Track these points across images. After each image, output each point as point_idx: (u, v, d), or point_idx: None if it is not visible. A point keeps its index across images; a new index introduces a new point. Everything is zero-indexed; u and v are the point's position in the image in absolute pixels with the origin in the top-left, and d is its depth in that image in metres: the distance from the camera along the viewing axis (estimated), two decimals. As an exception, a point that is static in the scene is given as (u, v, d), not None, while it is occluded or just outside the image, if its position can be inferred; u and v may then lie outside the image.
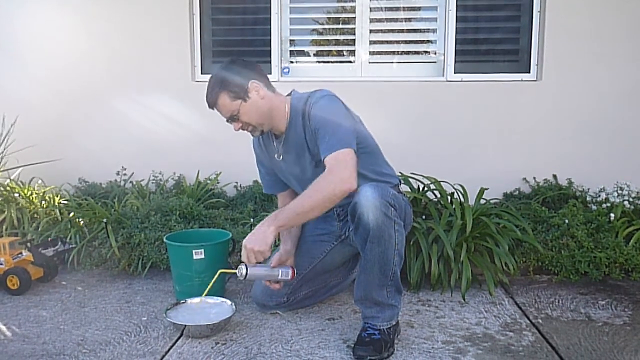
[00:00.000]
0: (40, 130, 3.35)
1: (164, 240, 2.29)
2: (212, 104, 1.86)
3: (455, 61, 3.21)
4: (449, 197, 2.64)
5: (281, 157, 1.96)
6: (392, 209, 1.71)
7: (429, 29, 3.30)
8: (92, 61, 3.35)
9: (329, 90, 1.89)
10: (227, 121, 1.89)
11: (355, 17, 3.27)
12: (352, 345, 1.79)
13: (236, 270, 1.82)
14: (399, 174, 2.76)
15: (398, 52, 3.32)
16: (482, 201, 2.69)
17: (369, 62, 3.31)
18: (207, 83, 1.87)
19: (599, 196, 2.80)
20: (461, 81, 3.21)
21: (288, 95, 1.94)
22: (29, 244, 2.44)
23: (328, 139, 1.75)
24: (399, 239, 1.74)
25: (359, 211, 1.69)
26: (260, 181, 2.22)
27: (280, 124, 1.90)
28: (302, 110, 1.85)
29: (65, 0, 3.33)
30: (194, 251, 2.17)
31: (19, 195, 2.92)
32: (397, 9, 3.29)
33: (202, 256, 2.17)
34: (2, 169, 3.07)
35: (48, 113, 3.38)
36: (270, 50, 3.30)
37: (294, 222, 1.82)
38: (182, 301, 2.07)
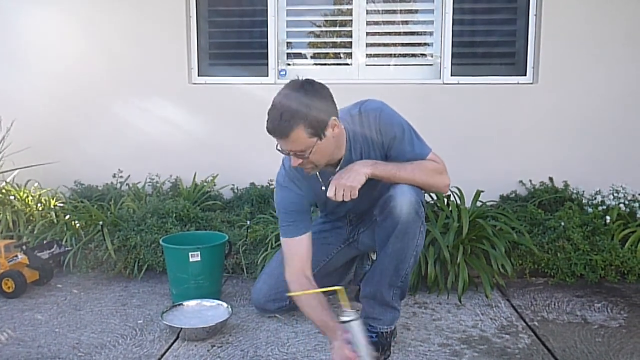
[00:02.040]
0: (37, 132, 3.34)
1: (160, 242, 2.28)
2: (281, 134, 1.54)
3: (451, 64, 3.22)
4: (445, 200, 2.65)
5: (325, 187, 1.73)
6: (423, 209, 1.72)
7: (425, 32, 3.31)
8: (89, 64, 3.34)
9: (372, 98, 1.78)
10: (287, 153, 1.62)
11: (352, 20, 3.27)
12: (349, 348, 1.79)
13: (346, 307, 1.53)
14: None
15: (395, 54, 3.33)
16: (479, 203, 2.69)
17: (366, 65, 3.31)
18: (273, 103, 1.55)
19: (595, 199, 2.81)
20: (457, 84, 3.22)
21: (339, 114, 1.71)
22: (24, 247, 2.43)
23: (414, 143, 1.74)
24: (420, 242, 1.73)
25: (393, 203, 1.65)
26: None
27: (341, 153, 1.72)
28: (362, 129, 1.72)
29: (63, 4, 3.32)
30: (190, 254, 2.17)
31: (15, 198, 2.91)
32: (394, 11, 3.30)
33: (199, 259, 2.16)
34: (-2, 172, 3.06)
35: (45, 115, 3.37)
36: (267, 53, 3.30)
37: (387, 179, 1.68)
38: (178, 304, 2.07)
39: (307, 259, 1.80)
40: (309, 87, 1.59)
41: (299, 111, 1.53)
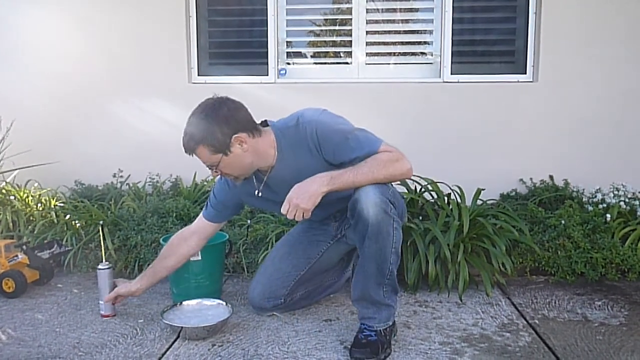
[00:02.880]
0: (37, 132, 3.34)
1: (161, 242, 2.28)
2: (189, 153, 1.77)
3: (451, 62, 3.22)
4: (445, 198, 2.65)
5: (260, 194, 1.89)
6: (392, 206, 1.71)
7: (425, 30, 3.31)
8: (88, 64, 3.34)
9: (311, 108, 1.83)
10: (208, 167, 1.81)
11: (351, 19, 3.27)
12: (349, 347, 1.79)
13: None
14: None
15: (395, 53, 3.33)
16: (479, 202, 2.69)
17: (366, 64, 3.31)
18: (187, 120, 1.75)
19: (595, 197, 2.81)
20: (457, 82, 3.21)
21: (265, 125, 1.84)
22: (24, 247, 2.43)
23: (361, 142, 1.72)
24: (397, 238, 1.74)
25: (359, 207, 1.67)
26: None
27: (267, 163, 1.83)
28: (297, 139, 1.77)
29: (63, 4, 3.32)
30: (190, 253, 2.16)
31: (15, 198, 2.91)
32: (394, 10, 3.30)
33: (199, 258, 2.16)
34: (-2, 172, 3.07)
35: (45, 115, 3.37)
36: (267, 52, 3.30)
37: (346, 189, 1.71)
38: (178, 303, 2.07)
39: (201, 239, 2.05)
40: (210, 111, 1.73)
41: (197, 135, 1.72)
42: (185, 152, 1.78)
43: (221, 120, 1.72)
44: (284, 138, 1.81)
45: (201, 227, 2.05)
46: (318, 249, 2.08)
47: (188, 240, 2.05)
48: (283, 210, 1.69)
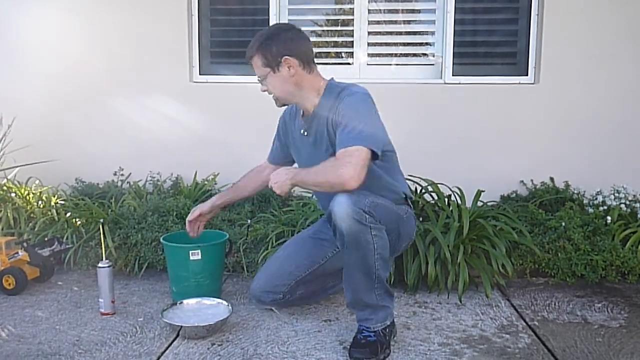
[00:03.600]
0: (38, 130, 3.34)
1: (161, 240, 2.28)
2: (248, 58, 1.90)
3: (453, 63, 3.22)
4: (446, 199, 2.65)
5: (305, 133, 1.97)
6: (367, 215, 1.69)
7: (427, 32, 3.30)
8: (90, 62, 3.34)
9: (365, 89, 1.88)
10: (259, 80, 1.92)
11: (353, 19, 3.27)
12: (348, 347, 1.79)
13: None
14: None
15: (396, 54, 3.32)
16: (480, 203, 2.69)
17: (367, 64, 3.31)
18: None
19: (596, 199, 2.81)
20: (459, 84, 3.21)
21: (329, 80, 1.95)
22: (25, 244, 2.43)
23: (347, 132, 1.73)
24: (379, 244, 1.73)
25: (334, 219, 1.71)
26: None
27: (308, 105, 1.91)
28: (333, 100, 1.85)
29: (63, 2, 3.32)
30: (190, 252, 2.17)
31: (16, 195, 2.91)
32: (396, 11, 3.30)
33: (199, 257, 2.16)
34: (-1, 169, 3.07)
35: (46, 113, 3.37)
36: (268, 52, 3.30)
37: (306, 187, 1.94)
38: (178, 302, 2.07)
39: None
40: (277, 29, 1.92)
41: (258, 44, 1.86)
42: (246, 57, 1.91)
43: (281, 40, 1.84)
44: (327, 96, 1.88)
45: (265, 166, 2.24)
46: (324, 253, 2.07)
47: (264, 172, 2.19)
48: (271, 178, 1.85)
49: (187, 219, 2.21)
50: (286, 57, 1.83)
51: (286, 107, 2.08)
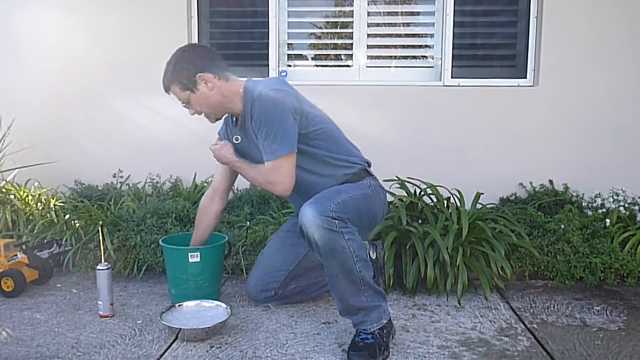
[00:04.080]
0: (37, 131, 3.33)
1: (160, 243, 2.28)
2: (166, 90, 1.97)
3: (452, 66, 3.22)
4: (445, 202, 2.65)
5: (239, 140, 2.04)
6: (337, 221, 1.70)
7: (426, 34, 3.31)
8: (89, 63, 3.34)
9: (277, 80, 1.97)
10: (183, 106, 1.99)
11: (353, 21, 3.28)
12: (347, 350, 1.79)
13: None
14: (396, 178, 2.77)
15: (396, 56, 3.33)
16: (479, 206, 2.69)
17: (367, 66, 3.31)
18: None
19: (595, 202, 2.81)
20: (458, 86, 3.22)
21: (246, 81, 2.00)
22: (24, 246, 2.43)
23: (268, 143, 1.84)
24: (355, 246, 1.74)
25: (305, 232, 1.72)
26: None
27: (237, 111, 1.98)
28: (250, 105, 1.91)
29: (64, 2, 3.32)
30: (189, 254, 2.17)
31: (15, 197, 2.91)
32: (395, 13, 3.30)
33: (198, 259, 2.16)
34: (-2, 171, 3.07)
35: (45, 115, 3.37)
36: (267, 54, 3.30)
37: (241, 174, 2.07)
38: (177, 304, 2.07)
39: (223, 194, 2.23)
40: (180, 53, 1.96)
41: (168, 75, 1.93)
42: (165, 91, 1.98)
43: (188, 60, 1.92)
44: (248, 96, 1.94)
45: (216, 183, 2.23)
46: (299, 251, 2.11)
47: (212, 201, 2.21)
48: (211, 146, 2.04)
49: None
50: (199, 74, 1.89)
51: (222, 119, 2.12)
